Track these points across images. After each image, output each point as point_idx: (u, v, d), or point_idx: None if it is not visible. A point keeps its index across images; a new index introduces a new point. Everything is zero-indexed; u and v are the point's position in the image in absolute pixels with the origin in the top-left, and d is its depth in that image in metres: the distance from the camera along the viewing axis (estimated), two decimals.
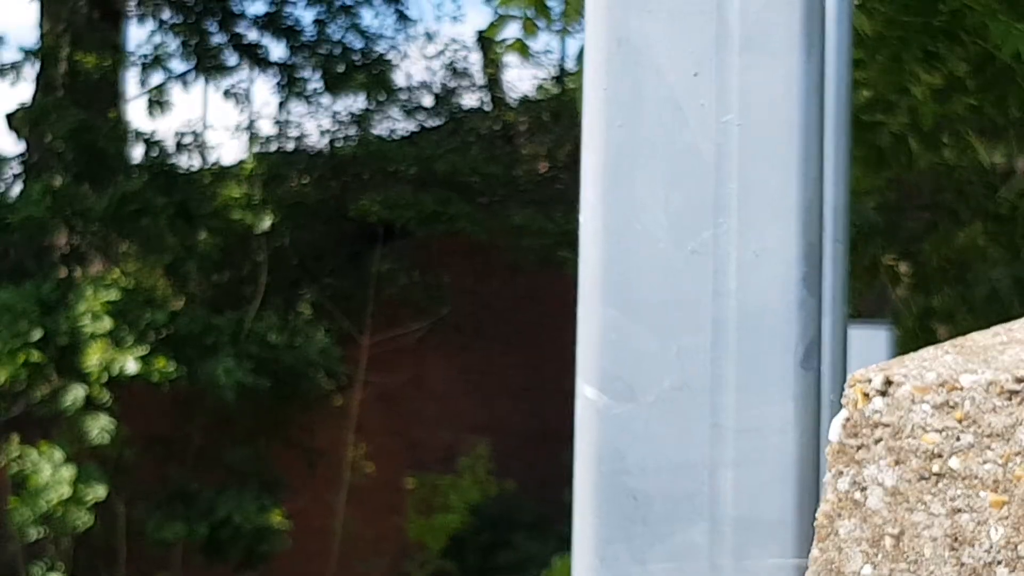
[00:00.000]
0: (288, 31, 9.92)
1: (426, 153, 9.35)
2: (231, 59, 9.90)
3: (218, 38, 9.84)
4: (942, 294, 4.19)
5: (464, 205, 9.08)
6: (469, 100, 10.37)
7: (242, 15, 9.89)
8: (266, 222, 8.79)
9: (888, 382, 0.95)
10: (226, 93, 9.96)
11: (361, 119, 9.98)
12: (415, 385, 9.38)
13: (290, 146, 10.04)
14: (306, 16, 10.04)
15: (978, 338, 0.99)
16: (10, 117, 9.06)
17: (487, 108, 10.38)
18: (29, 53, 9.22)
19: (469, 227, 9.01)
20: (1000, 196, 4.30)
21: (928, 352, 0.98)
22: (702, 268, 1.14)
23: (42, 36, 9.37)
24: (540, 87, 10.46)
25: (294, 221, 9.38)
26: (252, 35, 9.93)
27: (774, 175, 1.15)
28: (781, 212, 1.15)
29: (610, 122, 1.17)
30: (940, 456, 0.92)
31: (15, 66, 9.23)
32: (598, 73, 1.18)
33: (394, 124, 10.17)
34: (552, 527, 8.29)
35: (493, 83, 10.36)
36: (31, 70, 9.26)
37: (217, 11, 9.78)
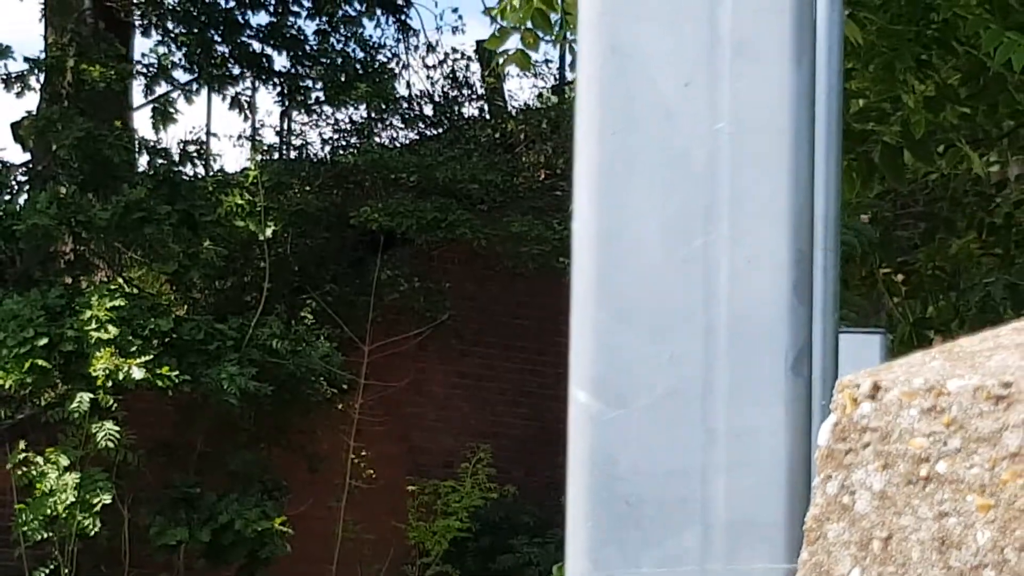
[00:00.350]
0: (291, 41, 9.95)
1: (427, 161, 9.38)
2: (235, 69, 9.92)
3: (222, 48, 9.86)
4: (937, 302, 4.19)
5: (464, 212, 9.10)
6: (469, 109, 10.40)
7: (246, 25, 9.92)
8: (269, 230, 8.81)
9: (876, 387, 0.96)
10: (230, 102, 9.99)
11: (362, 128, 10.01)
12: (416, 390, 9.39)
13: (292, 155, 10.06)
14: (309, 27, 10.07)
15: (965, 343, 1.00)
16: (16, 126, 9.09)
17: (487, 117, 10.41)
18: (34, 63, 9.24)
19: (469, 234, 9.03)
20: (996, 206, 4.30)
21: (916, 357, 0.99)
22: (694, 275, 1.15)
23: (47, 47, 9.39)
24: (540, 96, 10.49)
25: (296, 229, 9.40)
26: (255, 45, 9.96)
27: (765, 183, 1.16)
28: (772, 220, 1.15)
29: (603, 130, 1.18)
30: (927, 460, 0.93)
31: (21, 76, 9.26)
32: (591, 81, 1.19)
33: (395, 133, 10.20)
34: (553, 531, 8.30)
35: (493, 92, 10.38)
36: (37, 80, 9.29)
37: (221, 22, 9.81)
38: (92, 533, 7.60)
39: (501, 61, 4.00)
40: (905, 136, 3.39)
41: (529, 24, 3.72)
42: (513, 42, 3.87)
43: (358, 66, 9.90)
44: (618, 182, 1.18)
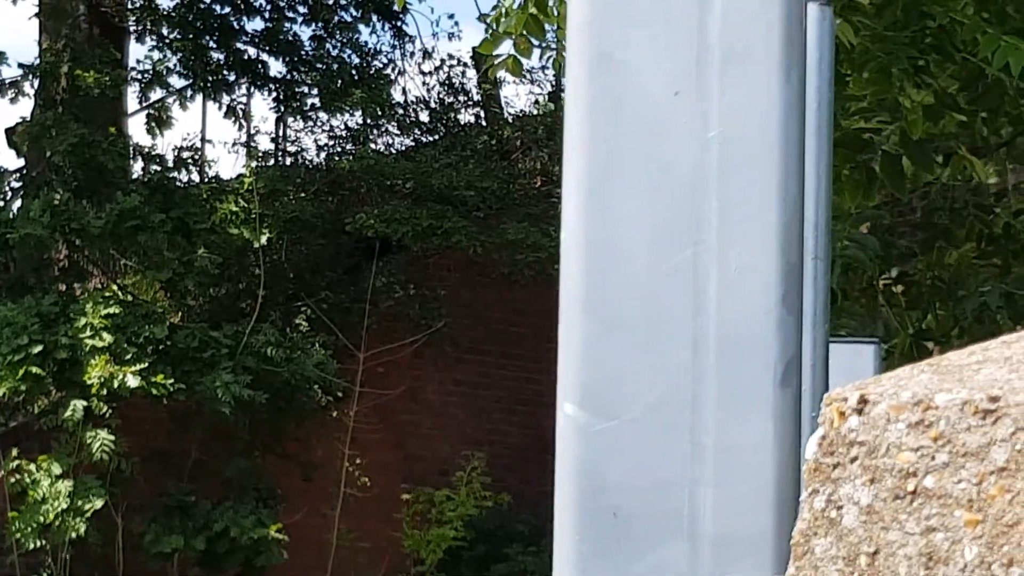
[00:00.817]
0: (286, 47, 9.95)
1: (422, 168, 9.38)
2: (230, 75, 9.92)
3: (217, 54, 9.86)
4: (935, 313, 4.18)
5: (460, 219, 9.10)
6: (465, 116, 10.41)
7: (241, 31, 9.91)
8: (263, 237, 8.80)
9: (864, 400, 0.95)
10: (226, 109, 9.98)
11: (358, 134, 10.00)
12: (411, 398, 9.38)
13: (288, 161, 10.06)
14: (304, 32, 10.09)
15: (954, 357, 0.99)
16: (10, 132, 9.08)
17: (483, 124, 10.41)
18: (29, 69, 9.24)
19: (465, 241, 9.02)
20: (994, 216, 4.29)
21: (904, 371, 0.98)
22: (682, 285, 1.14)
23: (41, 52, 9.39)
24: (536, 103, 10.50)
25: (291, 235, 9.39)
26: (251, 51, 9.96)
27: (754, 193, 1.15)
28: (761, 230, 1.15)
29: (591, 138, 1.17)
30: (915, 475, 0.92)
31: (15, 82, 9.26)
32: (580, 89, 1.18)
33: (391, 139, 10.20)
34: (547, 540, 8.27)
35: (489, 99, 10.39)
36: (31, 86, 9.29)
37: (216, 28, 9.80)
38: (77, 535, 7.57)
39: (495, 64, 4.00)
40: (904, 142, 3.38)
41: (523, 31, 3.72)
42: (506, 47, 3.88)
43: (354, 72, 9.90)
44: (607, 191, 1.17)
